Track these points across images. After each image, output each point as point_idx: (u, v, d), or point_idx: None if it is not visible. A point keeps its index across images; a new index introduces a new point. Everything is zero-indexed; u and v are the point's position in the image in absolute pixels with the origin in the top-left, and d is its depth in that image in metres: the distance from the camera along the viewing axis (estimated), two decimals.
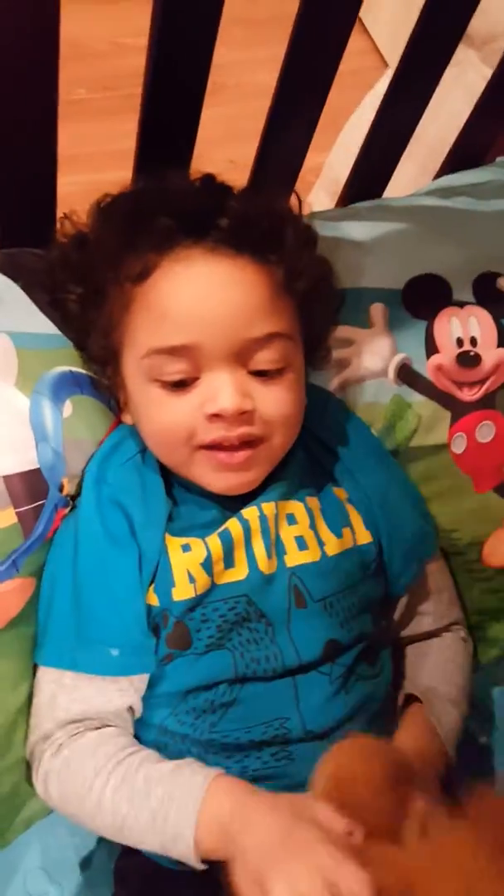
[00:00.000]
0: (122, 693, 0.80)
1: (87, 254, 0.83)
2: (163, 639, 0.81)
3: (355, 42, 0.96)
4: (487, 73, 1.39)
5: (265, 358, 0.79)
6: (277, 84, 0.97)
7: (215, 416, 0.78)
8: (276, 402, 0.80)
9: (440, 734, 0.84)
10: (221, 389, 0.77)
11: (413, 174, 1.34)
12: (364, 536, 0.88)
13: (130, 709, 0.82)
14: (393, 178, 1.18)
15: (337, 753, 0.69)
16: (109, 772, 0.75)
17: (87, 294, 0.83)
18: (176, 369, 0.78)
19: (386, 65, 1.97)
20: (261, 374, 0.79)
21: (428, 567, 0.94)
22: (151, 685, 0.82)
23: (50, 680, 0.81)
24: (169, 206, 0.79)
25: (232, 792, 0.71)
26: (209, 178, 0.86)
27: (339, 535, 0.86)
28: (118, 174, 0.91)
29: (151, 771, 0.75)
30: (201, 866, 0.71)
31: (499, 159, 1.19)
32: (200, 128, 0.94)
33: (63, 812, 0.80)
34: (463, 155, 1.20)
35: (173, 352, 0.78)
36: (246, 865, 0.66)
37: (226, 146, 1.25)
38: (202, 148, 0.96)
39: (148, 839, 0.73)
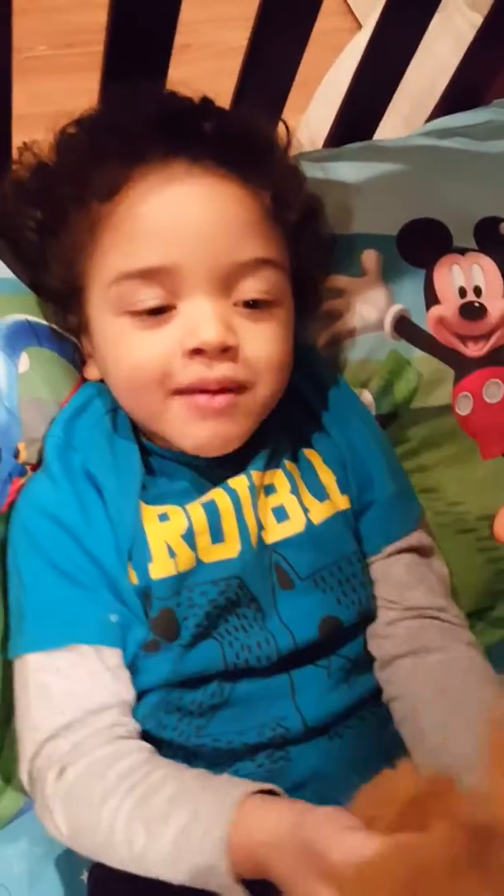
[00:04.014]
0: (115, 678, 0.69)
1: (46, 177, 0.73)
2: (148, 622, 0.70)
3: (327, 2, 0.89)
4: (473, 17, 1.31)
5: (253, 287, 0.69)
6: (250, 39, 0.89)
7: (195, 352, 0.67)
8: (263, 341, 0.70)
9: None
10: (202, 320, 0.67)
11: (397, 127, 1.26)
12: (342, 501, 0.77)
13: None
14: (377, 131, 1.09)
15: None
16: (122, 796, 0.62)
17: (47, 219, 0.73)
18: (150, 296, 0.68)
19: (359, 25, 1.88)
20: (247, 307, 0.70)
21: (409, 555, 0.79)
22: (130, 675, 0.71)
23: (36, 669, 0.69)
24: (142, 113, 0.70)
25: (263, 819, 0.59)
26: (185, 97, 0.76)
27: (322, 498, 0.76)
28: None
29: (175, 791, 0.62)
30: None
31: (496, 101, 1.09)
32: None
33: (78, 850, 0.66)
34: (456, 100, 1.11)
35: (147, 275, 0.67)
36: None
37: None
38: None
39: (177, 870, 0.60)
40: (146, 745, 0.68)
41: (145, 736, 0.70)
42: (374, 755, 0.72)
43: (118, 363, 0.71)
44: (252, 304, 0.70)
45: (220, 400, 0.68)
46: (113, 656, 0.69)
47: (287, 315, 0.73)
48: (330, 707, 0.72)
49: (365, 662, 0.75)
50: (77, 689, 0.67)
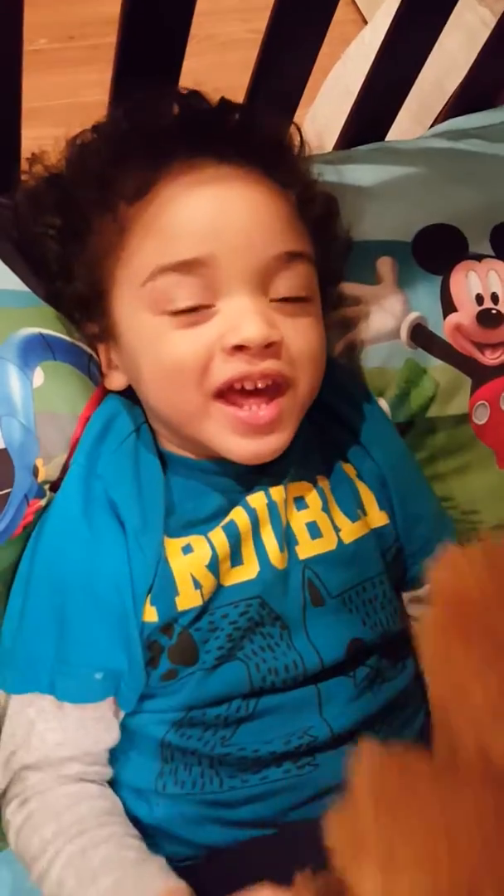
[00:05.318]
0: (98, 722, 0.69)
1: (62, 187, 0.72)
2: (165, 652, 0.69)
3: None
4: (483, 12, 1.29)
5: (288, 283, 0.69)
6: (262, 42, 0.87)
7: (237, 349, 0.66)
8: (302, 335, 0.69)
9: None
10: (245, 317, 0.66)
11: (405, 123, 1.24)
12: (379, 518, 0.77)
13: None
14: None
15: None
16: (68, 839, 0.64)
17: (69, 226, 0.72)
18: (189, 292, 0.67)
19: (362, 15, 1.85)
20: (283, 302, 0.69)
21: None
22: (149, 700, 0.70)
23: (24, 705, 0.69)
24: (164, 113, 0.70)
25: None
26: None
27: (354, 518, 0.75)
28: None
29: (113, 852, 0.64)
30: None
31: None
32: None
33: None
34: (470, 98, 1.09)
35: (185, 268, 0.66)
36: None
37: None
38: None
39: None
40: (110, 794, 0.69)
41: (168, 746, 0.70)
42: None
43: (158, 362, 0.69)
44: (287, 299, 0.69)
45: (265, 415, 0.67)
46: (96, 709, 0.69)
47: (319, 310, 0.73)
48: (356, 715, 0.71)
49: (389, 670, 0.74)
50: (49, 738, 0.68)
